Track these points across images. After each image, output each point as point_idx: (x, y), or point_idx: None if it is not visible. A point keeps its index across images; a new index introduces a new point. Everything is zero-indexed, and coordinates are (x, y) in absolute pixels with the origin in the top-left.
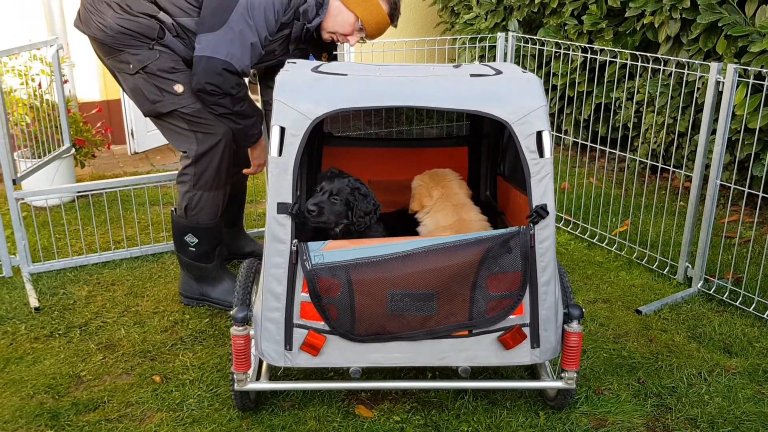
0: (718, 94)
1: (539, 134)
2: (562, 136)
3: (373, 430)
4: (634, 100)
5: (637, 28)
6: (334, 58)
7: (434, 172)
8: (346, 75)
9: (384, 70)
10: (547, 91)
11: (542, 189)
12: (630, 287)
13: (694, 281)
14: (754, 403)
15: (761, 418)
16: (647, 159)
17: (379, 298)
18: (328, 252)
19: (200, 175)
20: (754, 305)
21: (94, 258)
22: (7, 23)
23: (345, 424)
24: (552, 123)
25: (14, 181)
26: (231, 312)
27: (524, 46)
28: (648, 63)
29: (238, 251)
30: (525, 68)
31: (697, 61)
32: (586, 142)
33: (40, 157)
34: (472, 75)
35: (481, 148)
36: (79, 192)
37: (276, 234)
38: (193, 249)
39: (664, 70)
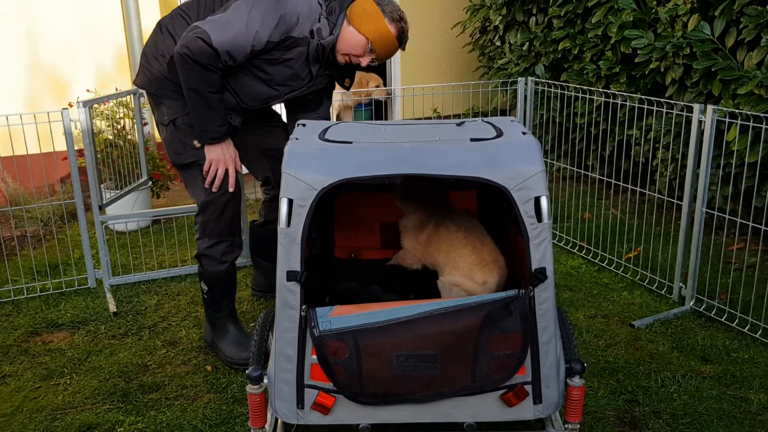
0: (701, 132)
1: (537, 199)
2: (587, 173)
3: None
4: (647, 137)
5: (647, 72)
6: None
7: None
8: (351, 143)
9: (389, 133)
10: (568, 129)
11: (541, 253)
12: (629, 305)
13: (686, 300)
14: (716, 401)
15: (719, 412)
16: (655, 192)
17: (386, 360)
18: (335, 318)
19: (206, 225)
20: (736, 321)
21: (163, 273)
22: (103, 73)
23: None
24: (576, 160)
25: (100, 207)
26: (247, 371)
27: (546, 90)
28: (653, 105)
29: None
30: (550, 108)
31: (679, 102)
32: (603, 177)
33: (121, 188)
34: (472, 140)
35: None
36: (144, 217)
37: (286, 300)
38: (206, 296)
39: (664, 111)
